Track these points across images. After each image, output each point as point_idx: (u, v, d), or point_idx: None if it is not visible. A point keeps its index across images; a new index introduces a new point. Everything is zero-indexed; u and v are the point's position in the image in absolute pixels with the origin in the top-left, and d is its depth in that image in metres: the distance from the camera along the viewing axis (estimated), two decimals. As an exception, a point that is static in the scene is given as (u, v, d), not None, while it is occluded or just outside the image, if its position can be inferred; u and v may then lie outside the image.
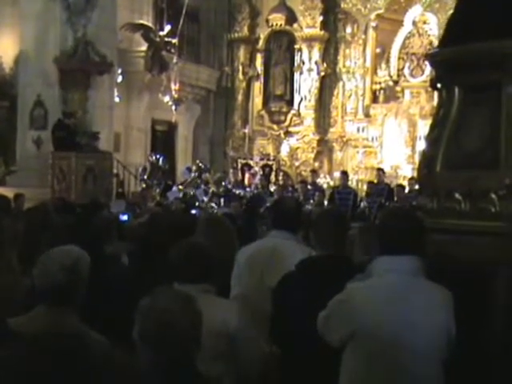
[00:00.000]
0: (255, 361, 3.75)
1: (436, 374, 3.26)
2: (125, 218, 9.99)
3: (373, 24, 20.29)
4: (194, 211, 11.72)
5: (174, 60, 18.14)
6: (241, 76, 21.66)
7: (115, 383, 2.51)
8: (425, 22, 19.48)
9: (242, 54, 21.67)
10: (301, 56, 20.91)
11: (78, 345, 2.16)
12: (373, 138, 20.04)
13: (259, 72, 21.60)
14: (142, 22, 17.86)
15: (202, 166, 17.43)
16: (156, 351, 2.54)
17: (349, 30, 20.40)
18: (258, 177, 18.18)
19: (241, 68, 21.62)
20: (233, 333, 3.60)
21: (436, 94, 4.26)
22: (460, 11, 3.94)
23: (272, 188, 17.39)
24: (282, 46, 21.35)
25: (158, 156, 17.26)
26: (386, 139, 19.81)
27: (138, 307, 2.59)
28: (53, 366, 2.04)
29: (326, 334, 3.41)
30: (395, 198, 15.07)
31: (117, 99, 16.64)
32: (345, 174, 16.83)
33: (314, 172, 18.35)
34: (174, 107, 18.33)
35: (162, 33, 17.87)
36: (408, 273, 3.29)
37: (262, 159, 20.21)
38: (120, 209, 10.96)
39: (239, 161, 20.17)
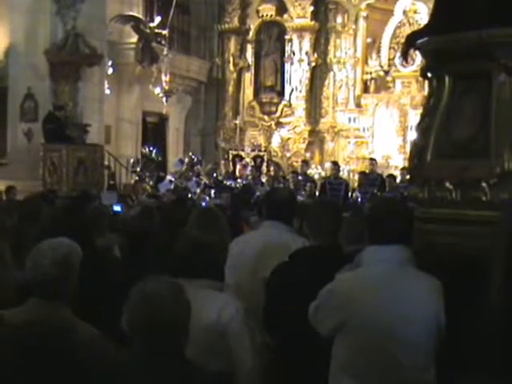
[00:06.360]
0: (246, 357, 3.68)
1: (426, 363, 3.25)
2: (118, 208, 9.98)
3: (363, 14, 20.29)
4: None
5: (165, 51, 18.09)
6: (231, 67, 21.61)
7: (101, 375, 2.52)
8: (415, 12, 19.50)
9: (232, 45, 21.60)
10: (291, 46, 20.86)
11: (62, 338, 2.16)
12: (364, 129, 20.04)
13: (250, 63, 21.54)
14: (132, 13, 17.78)
15: (195, 159, 17.41)
16: (145, 339, 2.56)
17: (339, 20, 20.36)
18: (249, 168, 18.14)
19: (231, 59, 21.56)
20: (225, 327, 3.58)
21: (427, 83, 4.26)
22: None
23: (263, 179, 17.35)
24: (273, 36, 21.28)
25: (150, 148, 17.23)
26: (377, 129, 19.82)
27: (128, 295, 2.60)
28: (37, 358, 2.04)
29: (317, 324, 3.40)
30: (387, 188, 15.09)
31: (107, 91, 16.60)
32: (336, 164, 16.80)
33: (305, 163, 18.31)
34: (164, 99, 18.28)
35: (152, 24, 17.80)
36: (397, 262, 3.28)
37: (253, 150, 20.22)
38: (111, 201, 10.95)
39: (230, 152, 20.17)
